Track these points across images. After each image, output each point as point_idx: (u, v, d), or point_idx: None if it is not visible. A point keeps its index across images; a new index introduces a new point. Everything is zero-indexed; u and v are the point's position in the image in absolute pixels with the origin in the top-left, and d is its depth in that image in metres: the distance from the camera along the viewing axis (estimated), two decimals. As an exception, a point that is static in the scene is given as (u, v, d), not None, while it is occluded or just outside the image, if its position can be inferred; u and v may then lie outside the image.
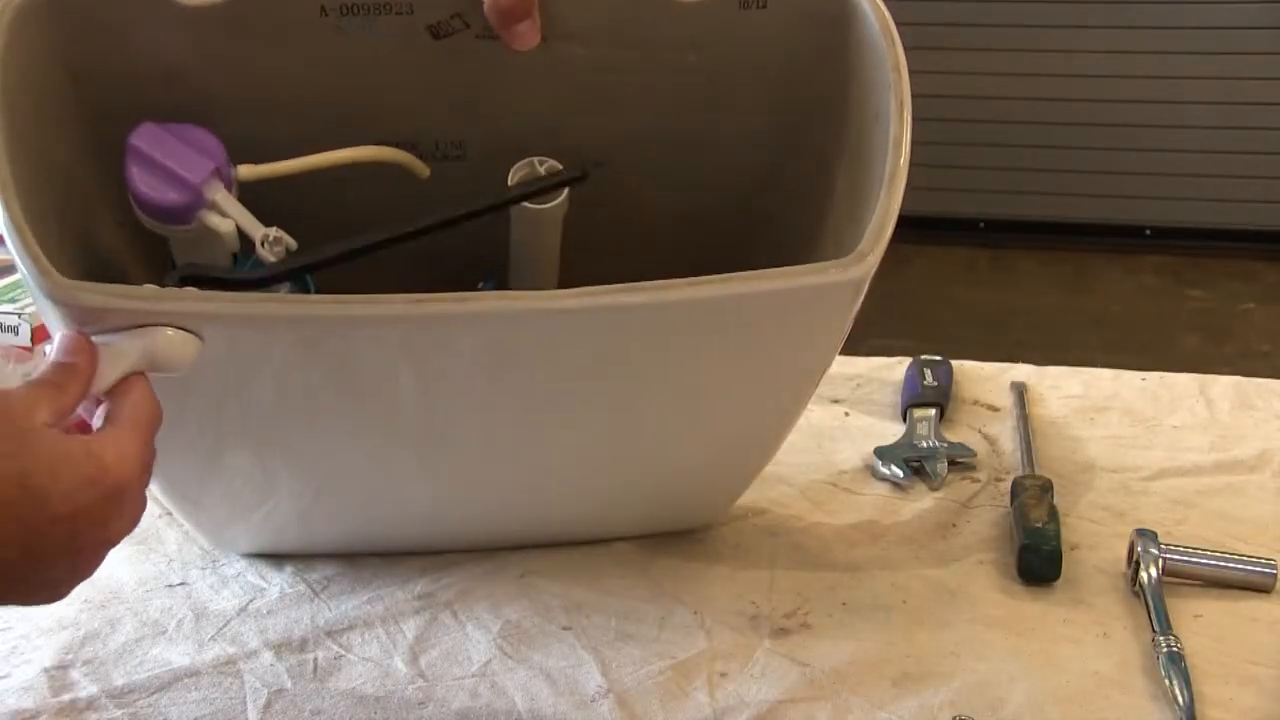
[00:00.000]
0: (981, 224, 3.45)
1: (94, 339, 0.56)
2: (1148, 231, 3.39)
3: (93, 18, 0.66)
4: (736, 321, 0.64)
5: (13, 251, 0.58)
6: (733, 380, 0.70)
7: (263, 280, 0.67)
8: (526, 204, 0.72)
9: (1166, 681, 0.66)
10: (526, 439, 0.70)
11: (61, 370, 0.54)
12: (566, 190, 0.72)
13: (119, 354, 0.56)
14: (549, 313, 0.61)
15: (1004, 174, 3.46)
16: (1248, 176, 3.32)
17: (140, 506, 0.56)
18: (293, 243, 0.68)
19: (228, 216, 0.67)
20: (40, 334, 0.87)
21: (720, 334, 0.65)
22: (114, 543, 0.55)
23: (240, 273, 0.69)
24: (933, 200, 3.28)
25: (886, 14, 0.68)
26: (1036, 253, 3.38)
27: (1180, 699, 0.64)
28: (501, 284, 0.76)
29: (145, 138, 0.67)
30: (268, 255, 0.67)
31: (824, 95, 0.71)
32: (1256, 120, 3.28)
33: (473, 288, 0.77)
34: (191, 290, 0.61)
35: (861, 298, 0.64)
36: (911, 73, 0.67)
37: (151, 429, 0.56)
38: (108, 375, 0.56)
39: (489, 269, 0.76)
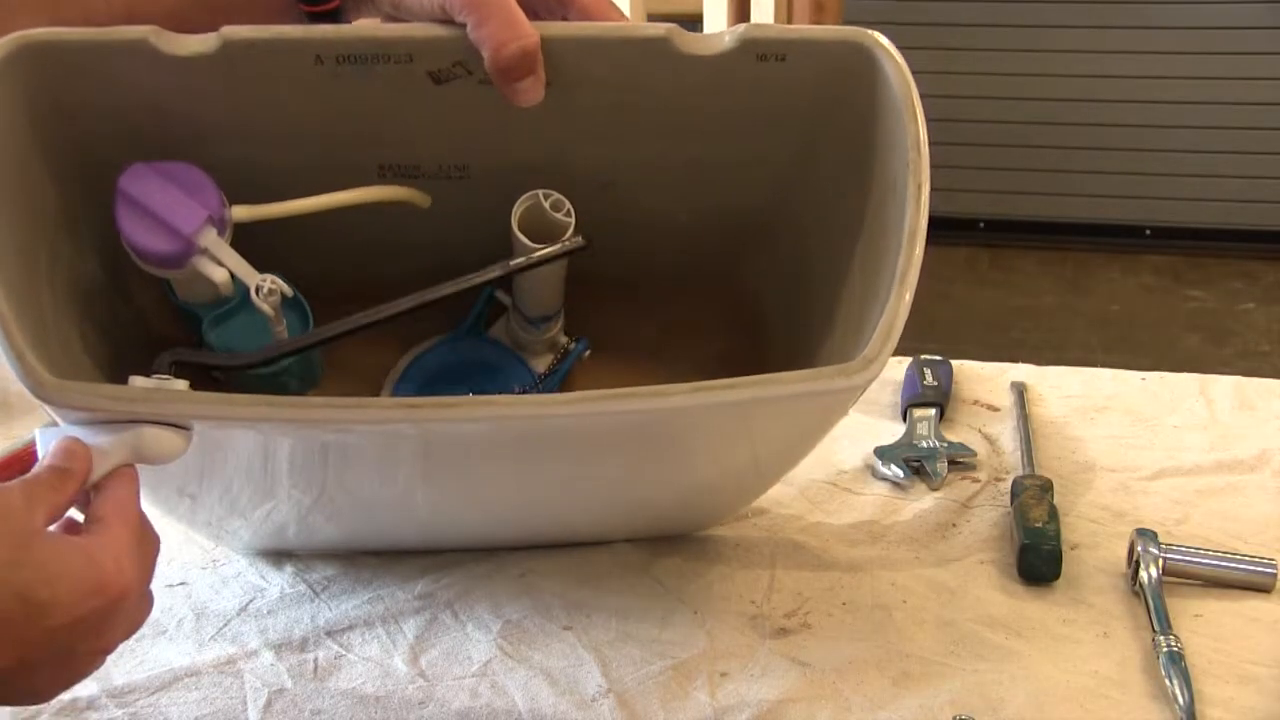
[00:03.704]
0: (981, 224, 3.45)
1: (85, 433, 0.56)
2: (1148, 231, 3.39)
3: (80, 64, 0.63)
4: (734, 418, 0.64)
5: None
6: (733, 457, 0.72)
7: (257, 360, 0.66)
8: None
9: (1166, 681, 0.66)
10: (528, 493, 0.71)
11: (57, 474, 0.54)
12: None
13: (108, 451, 0.56)
14: (542, 418, 0.60)
15: (1004, 174, 3.46)
16: (1248, 176, 3.32)
17: (143, 611, 0.56)
18: (289, 290, 0.66)
19: (221, 265, 0.65)
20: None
21: (718, 428, 0.65)
22: (109, 651, 0.54)
23: (232, 357, 0.67)
24: (933, 200, 3.26)
25: (910, 82, 0.65)
26: (1036, 253, 3.38)
27: (1180, 699, 0.64)
28: (505, 278, 0.76)
29: (135, 181, 0.64)
30: (263, 305, 0.65)
31: (842, 142, 0.70)
32: (1256, 120, 3.28)
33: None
34: (180, 390, 0.59)
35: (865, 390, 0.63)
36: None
37: (142, 523, 0.56)
38: (98, 471, 0.55)
39: (494, 258, 0.76)
